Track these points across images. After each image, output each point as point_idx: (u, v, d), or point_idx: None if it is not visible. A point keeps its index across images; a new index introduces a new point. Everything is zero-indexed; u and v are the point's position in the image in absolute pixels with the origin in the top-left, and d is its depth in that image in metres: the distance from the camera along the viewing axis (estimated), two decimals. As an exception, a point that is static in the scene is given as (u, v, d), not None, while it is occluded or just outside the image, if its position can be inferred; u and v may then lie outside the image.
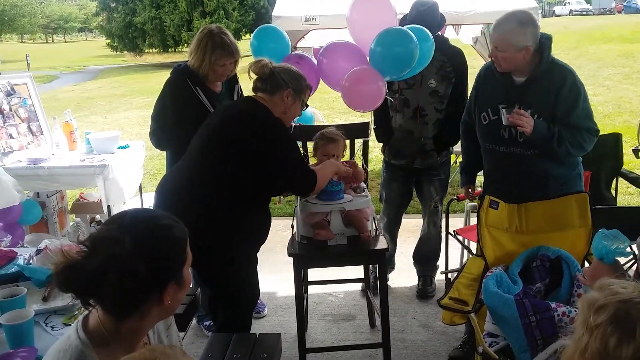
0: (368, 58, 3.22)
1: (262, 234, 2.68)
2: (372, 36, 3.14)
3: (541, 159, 2.74)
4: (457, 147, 4.05)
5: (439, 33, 3.50)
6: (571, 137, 2.65)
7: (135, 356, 1.10)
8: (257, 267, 2.73)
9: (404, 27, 3.13)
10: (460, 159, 6.14)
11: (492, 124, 2.81)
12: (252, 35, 3.47)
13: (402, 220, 3.88)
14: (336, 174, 2.73)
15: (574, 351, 1.11)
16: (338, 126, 3.08)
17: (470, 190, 3.22)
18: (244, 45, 5.07)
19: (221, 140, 2.51)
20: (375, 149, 6.98)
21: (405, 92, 3.42)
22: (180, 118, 2.96)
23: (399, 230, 3.89)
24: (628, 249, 2.08)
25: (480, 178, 3.18)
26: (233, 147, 2.46)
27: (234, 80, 3.21)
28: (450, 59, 3.40)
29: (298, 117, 2.76)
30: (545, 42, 2.66)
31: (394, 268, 3.97)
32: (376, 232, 2.83)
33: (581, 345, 1.09)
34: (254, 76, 2.58)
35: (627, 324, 1.05)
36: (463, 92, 3.49)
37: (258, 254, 2.73)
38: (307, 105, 2.68)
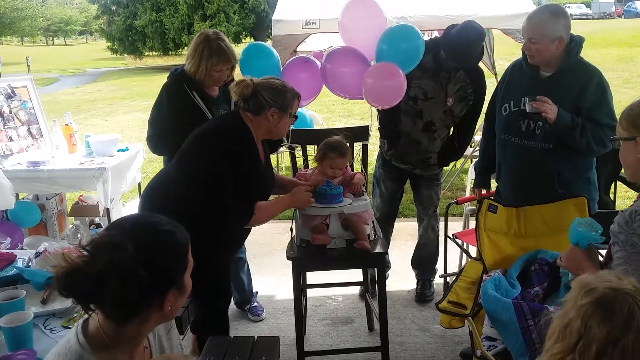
0: (371, 59, 3.23)
1: (233, 244, 2.70)
2: (364, 41, 3.15)
3: (554, 155, 2.74)
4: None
5: (437, 34, 3.49)
6: (594, 131, 2.65)
7: None
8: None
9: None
10: (459, 163, 6.19)
11: (512, 115, 2.82)
12: (241, 52, 3.30)
13: (402, 224, 3.88)
14: (290, 207, 2.70)
15: (558, 324, 1.17)
16: (338, 130, 3.07)
17: (482, 193, 3.21)
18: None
19: (190, 153, 2.51)
20: (375, 152, 6.99)
21: (421, 104, 3.33)
22: (177, 123, 2.96)
23: (396, 231, 3.87)
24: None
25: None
26: (195, 162, 2.47)
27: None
28: (473, 81, 3.32)
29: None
30: (575, 38, 2.68)
31: (389, 267, 3.97)
32: (375, 236, 2.84)
33: (566, 320, 1.15)
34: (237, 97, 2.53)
35: (609, 308, 1.10)
36: (476, 116, 3.46)
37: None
38: (296, 117, 2.62)
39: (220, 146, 2.44)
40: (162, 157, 3.37)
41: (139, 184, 4.39)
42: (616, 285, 1.14)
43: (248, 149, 2.50)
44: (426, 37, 6.62)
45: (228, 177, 2.41)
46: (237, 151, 2.45)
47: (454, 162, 5.83)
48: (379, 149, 3.73)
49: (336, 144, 2.89)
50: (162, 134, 3.06)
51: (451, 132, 3.49)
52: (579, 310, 1.13)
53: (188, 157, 2.52)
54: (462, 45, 3.11)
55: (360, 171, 3.07)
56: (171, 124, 3.00)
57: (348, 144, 2.96)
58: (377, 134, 3.69)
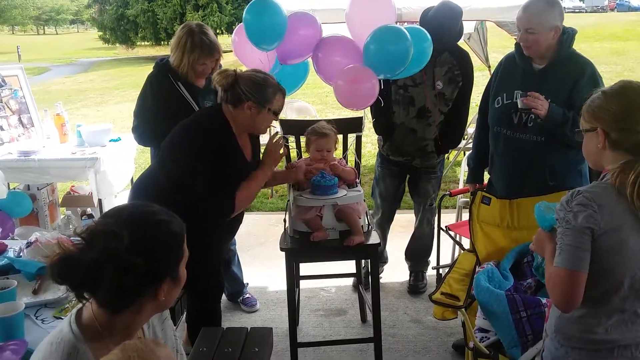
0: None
1: (224, 235, 2.70)
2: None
3: (546, 148, 2.74)
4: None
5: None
6: None
7: (110, 358, 1.09)
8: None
9: (401, 26, 3.08)
10: (452, 155, 6.20)
11: (504, 107, 2.82)
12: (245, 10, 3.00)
13: (396, 216, 3.87)
14: (269, 169, 2.67)
15: None
16: (330, 121, 3.07)
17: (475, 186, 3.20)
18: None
19: (168, 146, 2.53)
20: (369, 144, 6.99)
21: (412, 90, 3.34)
22: (162, 114, 2.94)
23: (391, 225, 3.88)
24: None
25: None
26: (171, 155, 2.49)
27: None
28: (459, 62, 3.33)
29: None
30: (567, 30, 2.68)
31: (386, 262, 3.98)
32: (368, 227, 2.84)
33: None
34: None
35: None
36: (467, 96, 3.45)
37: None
38: (277, 117, 2.60)
39: (197, 140, 2.44)
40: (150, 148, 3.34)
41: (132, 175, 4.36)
42: None
43: (224, 144, 2.48)
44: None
45: (201, 171, 2.41)
46: (212, 146, 2.43)
47: (447, 155, 5.83)
48: (377, 147, 3.72)
49: (316, 127, 2.93)
50: (147, 124, 3.04)
51: (445, 118, 3.47)
52: None
53: (166, 150, 2.53)
54: (438, 21, 3.18)
55: (352, 167, 3.06)
56: (156, 115, 2.98)
57: (334, 129, 2.96)
58: (371, 125, 3.68)
